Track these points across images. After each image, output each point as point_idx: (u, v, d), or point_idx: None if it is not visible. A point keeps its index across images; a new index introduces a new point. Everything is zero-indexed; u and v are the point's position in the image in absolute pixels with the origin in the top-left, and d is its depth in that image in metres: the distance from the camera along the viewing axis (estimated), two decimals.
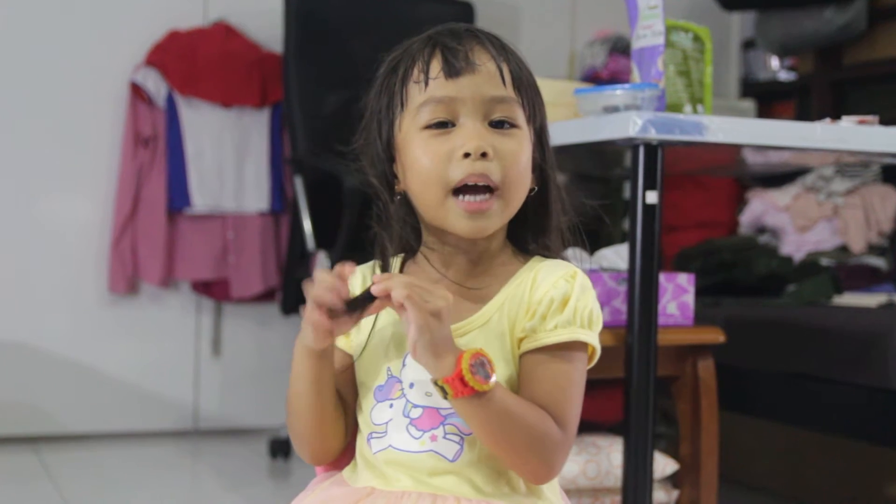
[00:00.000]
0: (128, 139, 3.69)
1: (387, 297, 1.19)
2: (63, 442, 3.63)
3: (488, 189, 1.26)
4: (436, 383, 1.19)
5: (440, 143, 1.26)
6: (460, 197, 1.25)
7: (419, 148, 1.27)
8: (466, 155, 1.25)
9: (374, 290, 1.19)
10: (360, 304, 1.22)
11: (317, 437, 1.33)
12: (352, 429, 1.35)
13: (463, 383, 1.17)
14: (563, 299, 1.26)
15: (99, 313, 3.72)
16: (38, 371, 3.64)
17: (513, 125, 1.29)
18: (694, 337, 2.26)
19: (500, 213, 1.27)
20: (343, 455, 1.37)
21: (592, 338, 1.28)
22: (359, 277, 1.36)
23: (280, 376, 3.92)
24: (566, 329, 1.25)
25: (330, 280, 1.21)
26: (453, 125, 1.27)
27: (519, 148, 1.28)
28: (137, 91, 3.70)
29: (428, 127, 1.27)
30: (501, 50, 1.31)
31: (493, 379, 1.19)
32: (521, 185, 1.29)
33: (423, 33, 1.34)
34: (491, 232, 1.29)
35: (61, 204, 3.68)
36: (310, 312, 1.22)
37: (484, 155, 1.25)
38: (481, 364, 1.18)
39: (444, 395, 1.19)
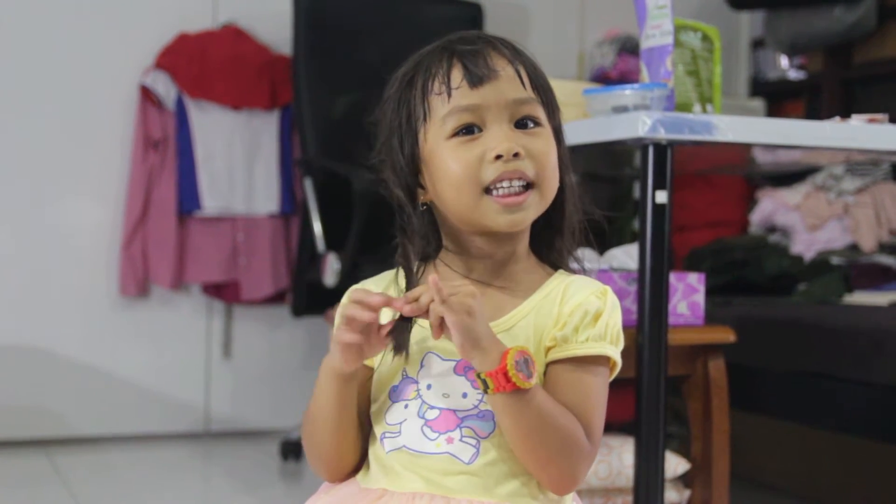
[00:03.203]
0: (138, 142, 3.70)
1: (422, 315, 1.21)
2: (74, 445, 3.63)
3: (525, 185, 1.27)
4: (478, 376, 1.20)
5: (469, 148, 1.28)
6: (495, 193, 1.26)
7: (448, 156, 1.28)
8: (498, 157, 1.26)
9: (407, 313, 1.21)
10: (400, 332, 1.24)
11: (335, 457, 1.33)
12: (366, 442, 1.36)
13: (506, 378, 1.18)
14: (595, 314, 1.29)
15: (110, 316, 3.73)
16: (49, 374, 3.65)
17: (537, 124, 1.31)
18: (705, 336, 2.26)
19: (535, 206, 1.29)
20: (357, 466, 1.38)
21: (618, 356, 1.31)
22: (380, 289, 1.37)
23: (291, 378, 3.93)
24: (597, 343, 1.28)
25: (366, 298, 1.22)
26: (480, 130, 1.28)
27: (548, 146, 1.31)
28: (147, 94, 3.71)
29: (455, 135, 1.28)
30: (516, 53, 1.33)
31: (534, 378, 1.20)
32: (554, 180, 1.31)
33: (431, 43, 1.35)
34: (527, 224, 1.30)
35: (71, 207, 3.69)
36: (341, 331, 1.23)
37: (516, 155, 1.26)
38: (525, 362, 1.19)
39: (486, 388, 1.20)
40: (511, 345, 1.27)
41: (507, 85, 1.29)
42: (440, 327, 1.20)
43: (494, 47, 1.32)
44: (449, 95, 1.29)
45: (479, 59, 1.29)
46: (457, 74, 1.29)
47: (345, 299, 1.38)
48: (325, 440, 1.32)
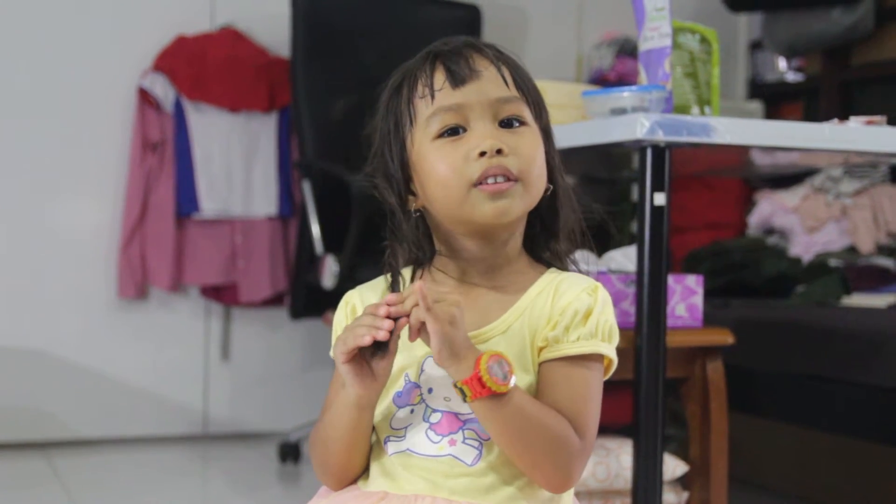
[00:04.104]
0: (136, 144, 3.70)
1: (405, 318, 1.20)
2: (73, 447, 3.63)
3: (508, 180, 1.27)
4: (455, 385, 1.20)
5: (454, 147, 1.28)
6: (481, 186, 1.26)
7: (434, 156, 1.29)
8: (482, 154, 1.26)
9: (392, 313, 1.20)
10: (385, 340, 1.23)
11: (344, 470, 1.34)
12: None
13: (481, 384, 1.18)
14: (586, 312, 1.28)
15: (108, 318, 3.73)
16: (47, 376, 3.65)
17: (522, 123, 1.31)
18: (703, 338, 2.26)
19: (521, 197, 1.28)
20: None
21: (612, 351, 1.30)
22: (370, 296, 1.37)
23: (290, 380, 3.93)
24: (588, 341, 1.27)
25: (368, 322, 1.21)
26: (464, 130, 1.29)
27: (533, 143, 1.30)
28: (145, 96, 3.71)
29: (440, 136, 1.29)
30: (499, 54, 1.34)
31: (513, 381, 1.20)
32: (540, 178, 1.31)
33: (422, 49, 1.36)
34: (514, 216, 1.29)
35: (70, 209, 3.69)
36: (343, 366, 1.23)
37: (500, 152, 1.26)
38: (499, 366, 1.19)
39: (464, 397, 1.20)
40: (507, 348, 1.27)
41: (490, 84, 1.30)
42: (418, 331, 1.20)
43: (477, 49, 1.32)
44: (432, 97, 1.30)
45: (461, 60, 1.30)
46: (439, 76, 1.30)
47: (339, 314, 1.38)
48: (337, 459, 1.32)
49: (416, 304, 1.19)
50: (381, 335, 1.20)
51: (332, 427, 1.31)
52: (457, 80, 1.29)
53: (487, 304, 1.31)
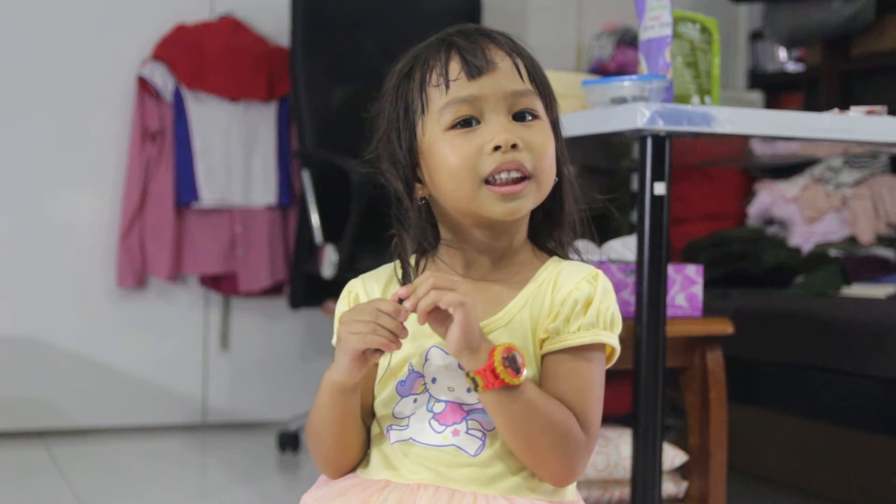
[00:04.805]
0: (135, 133, 3.70)
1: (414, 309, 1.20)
2: (72, 436, 3.63)
3: (521, 177, 1.27)
4: (468, 374, 1.20)
5: (468, 140, 1.27)
6: (493, 183, 1.26)
7: (447, 148, 1.28)
8: (496, 148, 1.26)
9: (409, 305, 1.20)
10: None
11: (340, 458, 1.34)
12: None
13: (494, 375, 1.19)
14: (586, 301, 1.28)
15: (107, 308, 3.73)
16: (47, 366, 3.65)
17: (535, 116, 1.30)
18: (702, 328, 2.26)
19: (532, 195, 1.28)
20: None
21: (614, 340, 1.30)
22: (373, 286, 1.37)
23: (289, 370, 3.93)
24: (589, 331, 1.27)
25: (390, 322, 1.22)
26: (478, 122, 1.28)
27: (546, 138, 1.30)
28: (145, 85, 3.70)
29: (453, 127, 1.28)
30: (514, 46, 1.32)
31: (524, 373, 1.20)
32: (551, 173, 1.31)
33: (429, 37, 1.34)
34: (525, 213, 1.30)
35: (69, 199, 3.69)
36: (355, 339, 1.22)
37: (514, 146, 1.26)
38: (513, 358, 1.19)
39: (475, 386, 1.20)
40: (510, 339, 1.27)
41: (505, 77, 1.29)
42: (427, 315, 1.20)
43: (492, 40, 1.31)
44: (447, 87, 1.28)
45: (478, 51, 1.29)
46: (455, 66, 1.29)
47: (342, 303, 1.38)
48: (330, 447, 1.32)
49: (430, 290, 1.19)
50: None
51: (320, 414, 1.31)
52: (473, 72, 1.28)
53: (491, 296, 1.31)
